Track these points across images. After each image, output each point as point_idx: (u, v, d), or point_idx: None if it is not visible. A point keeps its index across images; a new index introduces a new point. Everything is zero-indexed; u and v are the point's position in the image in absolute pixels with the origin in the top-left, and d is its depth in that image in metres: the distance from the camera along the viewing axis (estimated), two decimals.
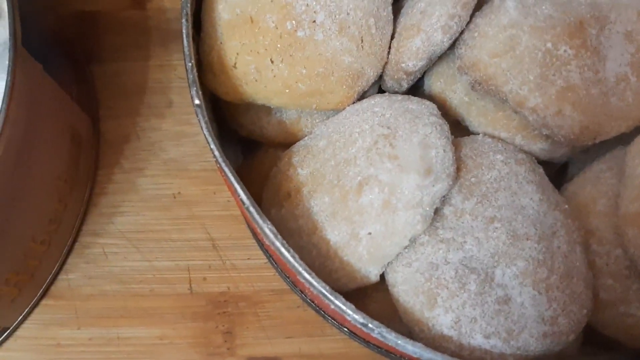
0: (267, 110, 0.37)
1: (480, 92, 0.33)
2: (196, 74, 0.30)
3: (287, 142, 0.37)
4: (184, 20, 0.31)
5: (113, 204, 0.44)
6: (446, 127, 0.31)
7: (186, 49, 0.30)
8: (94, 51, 0.47)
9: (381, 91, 0.36)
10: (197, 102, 0.30)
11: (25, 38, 0.35)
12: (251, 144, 0.40)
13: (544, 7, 0.31)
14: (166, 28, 0.48)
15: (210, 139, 0.29)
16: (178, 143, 0.45)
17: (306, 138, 0.35)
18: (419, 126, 0.30)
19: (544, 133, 0.31)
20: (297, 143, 0.35)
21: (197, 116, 0.30)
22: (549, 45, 0.30)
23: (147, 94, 0.47)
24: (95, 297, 0.43)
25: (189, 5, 0.31)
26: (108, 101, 0.46)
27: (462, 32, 0.32)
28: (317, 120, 0.36)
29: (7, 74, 0.33)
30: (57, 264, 0.43)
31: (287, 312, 0.41)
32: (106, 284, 0.43)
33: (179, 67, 0.47)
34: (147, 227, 0.44)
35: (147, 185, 0.45)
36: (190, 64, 0.30)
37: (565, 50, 0.30)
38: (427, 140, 0.30)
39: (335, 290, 0.30)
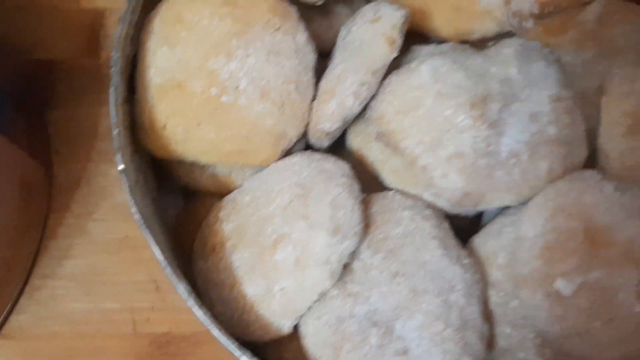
0: (200, 164, 0.39)
1: (383, 143, 0.35)
2: (122, 141, 0.33)
3: (220, 193, 0.39)
4: (111, 90, 0.33)
5: (63, 248, 0.46)
6: (356, 187, 0.33)
7: (113, 118, 0.33)
8: (48, 98, 0.50)
9: (308, 146, 0.39)
10: (121, 167, 0.32)
11: None
12: (190, 190, 0.42)
13: (456, 76, 0.33)
14: None
15: (133, 204, 0.31)
16: None
17: (235, 192, 0.37)
18: (331, 187, 0.33)
19: (431, 193, 0.33)
20: (227, 196, 0.37)
21: (122, 180, 0.32)
22: (448, 112, 0.33)
23: (98, 140, 0.49)
24: (45, 338, 0.44)
25: (118, 76, 0.34)
26: (60, 147, 0.49)
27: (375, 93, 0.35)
28: (247, 174, 0.39)
29: None
30: (9, 306, 0.45)
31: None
32: (55, 324, 0.45)
33: None
34: (95, 269, 0.46)
35: (96, 229, 0.46)
36: (116, 131, 0.33)
37: (462, 120, 0.32)
38: (337, 201, 0.32)
39: (253, 341, 0.32)
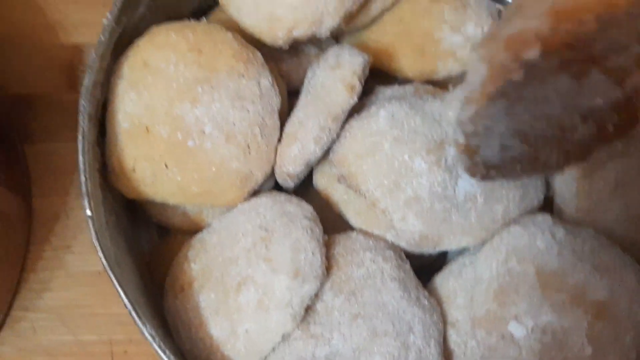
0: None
1: (345, 185, 0.36)
2: (90, 187, 0.34)
3: (192, 230, 0.40)
4: (79, 137, 0.34)
5: (43, 280, 0.47)
6: (318, 229, 0.34)
7: (81, 164, 0.34)
8: (27, 131, 0.51)
9: (278, 184, 0.39)
10: (88, 213, 0.33)
11: None
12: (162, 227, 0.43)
13: (413, 122, 0.34)
14: None
15: (99, 249, 0.32)
16: None
17: (204, 231, 0.38)
18: (292, 230, 0.34)
19: (392, 234, 0.34)
20: (197, 235, 0.38)
21: (89, 225, 0.33)
22: (405, 156, 0.34)
23: (76, 174, 0.49)
24: None
25: (86, 123, 0.35)
26: (40, 180, 0.50)
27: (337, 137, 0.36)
28: (217, 212, 0.40)
29: None
30: None
31: None
32: (35, 356, 0.46)
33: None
34: (74, 302, 0.46)
35: (75, 262, 0.47)
36: (84, 178, 0.34)
37: (419, 164, 0.33)
38: (298, 244, 0.33)
39: None
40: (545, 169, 0.31)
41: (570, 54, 0.24)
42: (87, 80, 0.36)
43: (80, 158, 0.34)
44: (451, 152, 0.34)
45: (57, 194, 0.49)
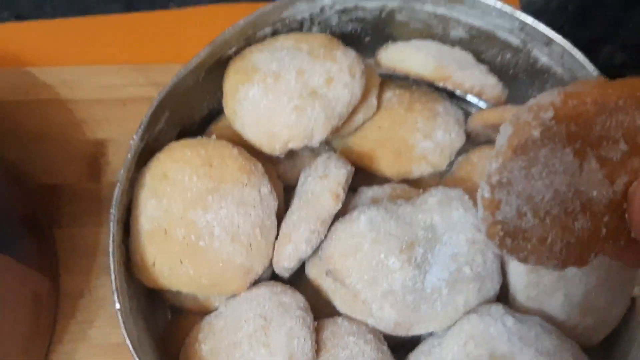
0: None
1: (332, 278, 0.43)
2: (118, 283, 0.40)
3: (201, 312, 0.46)
4: (110, 240, 0.41)
5: (68, 351, 0.53)
6: (309, 318, 0.41)
7: (111, 263, 0.41)
8: (55, 217, 0.58)
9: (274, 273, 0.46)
10: (117, 306, 0.40)
11: None
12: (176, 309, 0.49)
13: (388, 225, 0.41)
14: None
15: (127, 337, 0.39)
16: None
17: (212, 315, 0.45)
18: (287, 319, 0.40)
19: (372, 323, 0.41)
20: (206, 318, 0.45)
21: (117, 316, 0.40)
22: (382, 256, 0.40)
23: (99, 254, 0.56)
24: None
25: (115, 227, 0.42)
26: (66, 261, 0.56)
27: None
28: (223, 297, 0.46)
29: None
30: None
31: None
32: None
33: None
34: None
35: (97, 335, 0.54)
36: (113, 276, 0.40)
37: (393, 262, 0.40)
38: (292, 332, 0.40)
39: None
40: (550, 260, 0.32)
41: (575, 128, 0.29)
42: (117, 191, 0.43)
43: (111, 258, 0.41)
44: (420, 251, 0.40)
45: (82, 273, 0.56)
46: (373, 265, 0.40)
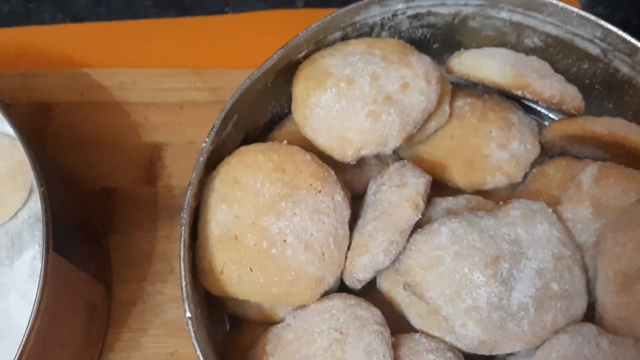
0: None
1: (409, 292, 0.41)
2: (190, 290, 0.39)
3: (264, 323, 0.45)
4: (181, 245, 0.40)
5: None
6: (387, 333, 0.39)
7: (182, 270, 0.39)
8: (109, 223, 0.56)
9: (343, 284, 0.44)
10: (188, 315, 0.38)
11: (58, 235, 0.44)
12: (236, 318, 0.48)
13: (471, 238, 0.39)
14: (172, 203, 0.57)
15: (197, 348, 0.37)
16: (177, 306, 0.53)
17: (279, 326, 0.43)
18: (365, 334, 0.38)
19: (452, 338, 0.38)
20: (271, 330, 0.43)
21: (188, 326, 0.38)
22: (465, 270, 0.38)
23: (153, 261, 0.55)
24: None
25: (186, 232, 0.40)
26: (120, 267, 0.55)
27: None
28: (289, 308, 0.44)
29: (40, 277, 0.42)
30: None
31: None
32: None
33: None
34: None
35: (149, 344, 0.52)
36: (184, 282, 0.39)
37: (478, 277, 0.38)
38: (370, 347, 0.38)
39: None
40: None
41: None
42: (188, 195, 0.41)
43: (182, 264, 0.39)
44: (505, 266, 0.38)
45: (135, 280, 0.54)
46: (456, 280, 0.38)
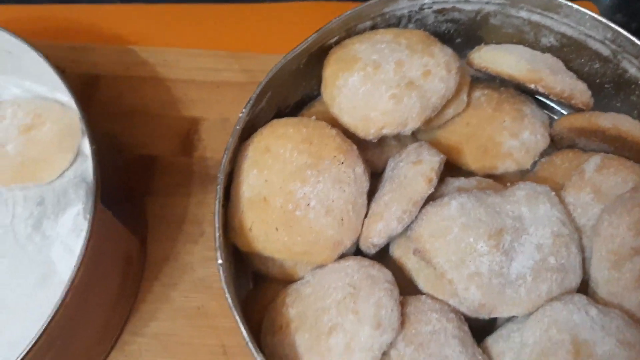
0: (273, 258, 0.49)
1: (419, 257, 0.45)
2: (222, 241, 0.43)
3: (285, 280, 0.49)
4: (216, 202, 0.44)
5: (151, 311, 0.57)
6: (396, 291, 0.43)
7: (216, 222, 0.44)
8: (148, 187, 0.61)
9: (358, 250, 0.48)
10: (220, 261, 0.43)
11: (103, 192, 0.49)
12: (259, 274, 0.52)
13: (478, 212, 0.43)
14: (206, 173, 0.62)
15: (227, 292, 0.42)
16: (205, 265, 0.58)
17: (298, 282, 0.47)
18: (376, 290, 0.43)
19: (455, 301, 0.42)
20: (291, 285, 0.47)
21: (219, 271, 0.43)
22: (471, 239, 0.42)
23: (186, 224, 0.60)
24: None
25: (221, 190, 0.45)
26: (155, 227, 0.60)
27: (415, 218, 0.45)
28: (309, 268, 0.49)
29: (86, 231, 0.46)
30: (102, 357, 0.55)
31: None
32: None
33: (211, 206, 0.60)
34: (175, 331, 0.56)
35: (178, 298, 0.57)
36: (217, 233, 0.43)
37: (482, 246, 0.42)
38: (380, 301, 0.42)
39: None
40: None
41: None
42: (224, 158, 0.46)
43: (216, 217, 0.44)
44: (507, 239, 0.42)
45: (168, 239, 0.59)
46: (461, 248, 0.42)
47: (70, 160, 0.59)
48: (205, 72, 0.66)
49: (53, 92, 0.62)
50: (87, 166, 0.60)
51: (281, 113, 0.55)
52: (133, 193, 0.60)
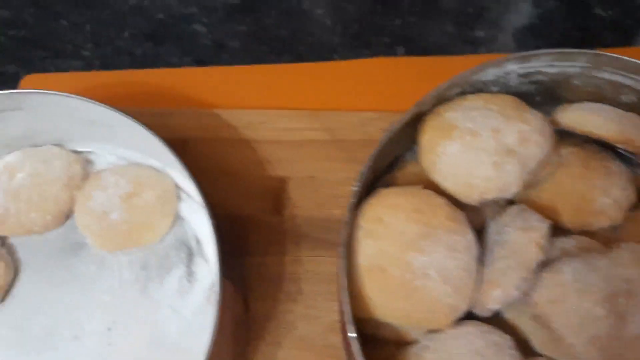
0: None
1: (537, 322, 0.47)
2: (350, 314, 0.46)
3: (398, 342, 0.52)
4: (341, 276, 0.47)
5: None
6: (520, 358, 0.46)
7: (344, 297, 0.46)
8: (243, 247, 0.64)
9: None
10: (354, 335, 0.46)
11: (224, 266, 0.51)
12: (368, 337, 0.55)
13: (590, 277, 0.46)
14: (297, 230, 0.65)
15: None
16: (307, 323, 0.61)
17: (416, 347, 0.50)
18: (502, 357, 0.45)
19: None
20: (409, 349, 0.50)
21: (352, 346, 0.45)
22: (588, 305, 0.45)
23: (284, 282, 0.63)
24: None
25: (343, 269, 0.48)
26: (255, 287, 0.63)
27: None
28: (422, 331, 0.51)
29: (216, 309, 0.49)
30: None
31: None
32: None
33: (306, 263, 0.63)
34: None
35: (285, 357, 0.60)
36: (347, 308, 0.46)
37: (598, 311, 0.45)
38: None
39: None
40: None
41: None
42: (343, 233, 0.49)
43: (343, 292, 0.47)
44: (622, 302, 0.45)
45: (268, 298, 0.62)
46: (579, 313, 0.45)
47: (169, 224, 0.62)
48: (289, 132, 0.69)
49: (147, 158, 0.65)
50: (185, 229, 0.63)
51: (377, 176, 0.58)
52: (234, 254, 0.63)
